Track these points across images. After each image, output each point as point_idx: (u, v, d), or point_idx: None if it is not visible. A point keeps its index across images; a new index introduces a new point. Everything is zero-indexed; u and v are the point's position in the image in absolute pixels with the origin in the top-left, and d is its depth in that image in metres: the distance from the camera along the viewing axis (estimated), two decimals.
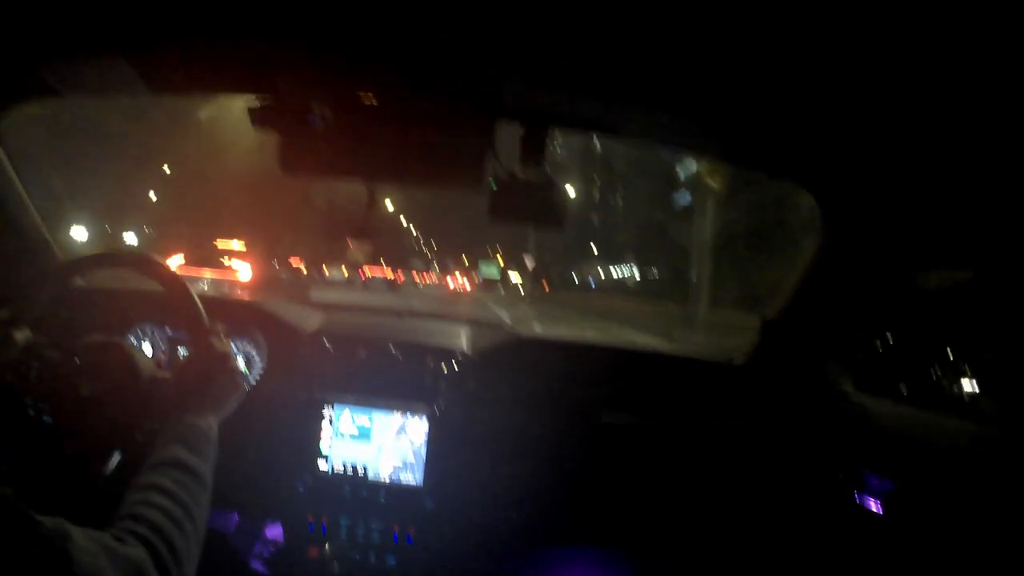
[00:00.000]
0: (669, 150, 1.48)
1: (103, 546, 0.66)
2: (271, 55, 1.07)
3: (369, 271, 24.43)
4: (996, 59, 0.76)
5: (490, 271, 53.99)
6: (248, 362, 1.55)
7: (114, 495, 0.81)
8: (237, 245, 17.59)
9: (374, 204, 1.46)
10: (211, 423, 0.95)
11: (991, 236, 1.14)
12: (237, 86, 1.23)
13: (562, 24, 0.86)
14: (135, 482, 0.80)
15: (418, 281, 44.99)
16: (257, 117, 1.16)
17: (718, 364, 1.69)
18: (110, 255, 1.17)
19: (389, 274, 25.25)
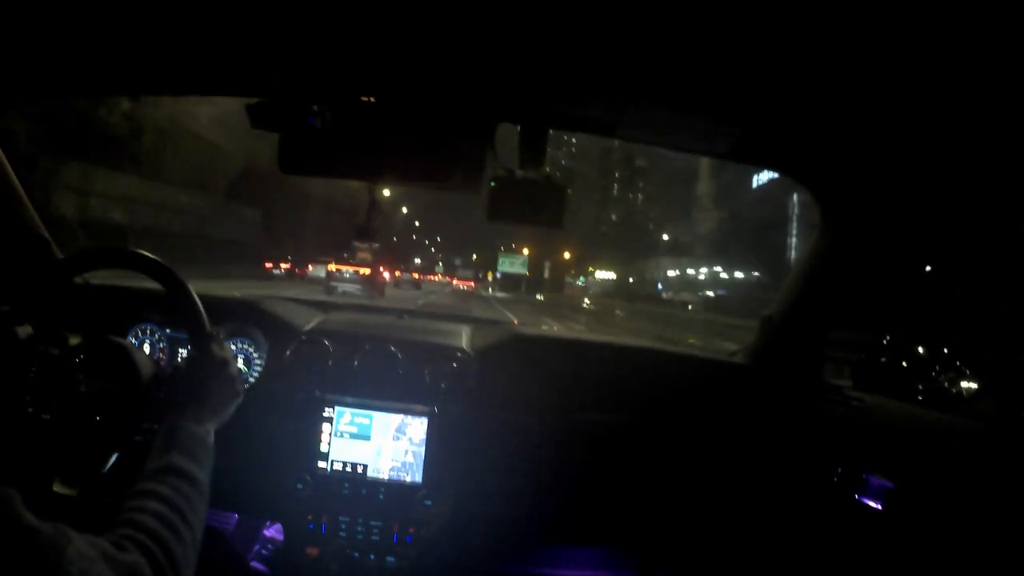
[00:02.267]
0: (669, 149, 1.46)
1: (101, 552, 0.66)
2: (271, 55, 1.07)
3: (335, 266, 18.07)
4: (993, 61, 0.76)
5: (512, 266, 41.23)
6: (247, 362, 1.55)
7: (113, 495, 0.81)
8: None
9: (376, 205, 1.46)
10: (208, 429, 0.95)
11: (990, 235, 1.14)
12: (237, 86, 1.24)
13: (562, 25, 0.86)
14: (133, 488, 0.80)
15: (417, 279, 38.03)
16: (257, 117, 1.16)
17: (719, 362, 1.69)
18: (110, 253, 1.17)
19: (362, 269, 17.86)
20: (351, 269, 17.88)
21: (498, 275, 44.21)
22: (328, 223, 31.83)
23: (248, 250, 25.65)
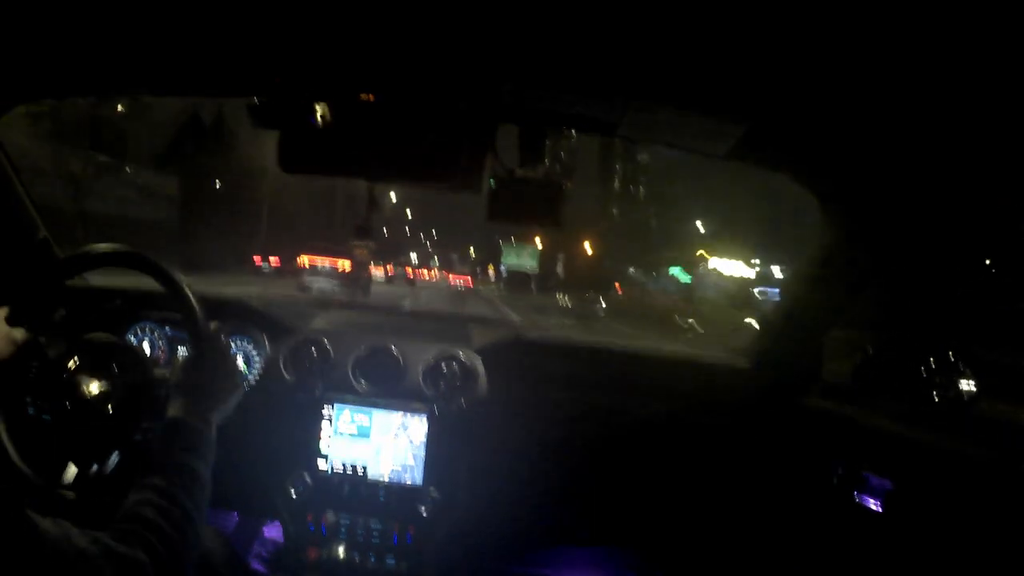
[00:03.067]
0: (670, 149, 1.46)
1: (103, 547, 0.66)
2: (271, 55, 1.07)
3: (308, 258, 14.77)
4: (994, 60, 0.76)
5: (520, 259, 32.69)
6: (248, 361, 1.55)
7: (113, 495, 0.81)
8: None
9: (376, 203, 1.46)
10: (210, 425, 0.95)
11: (991, 235, 1.14)
12: (237, 86, 1.23)
13: (561, 25, 0.85)
14: (135, 484, 0.80)
15: (410, 275, 32.86)
16: (257, 117, 1.16)
17: (721, 363, 1.69)
18: (110, 254, 1.17)
19: (342, 263, 14.44)
20: (328, 263, 14.62)
21: (502, 270, 33.81)
22: (292, 207, 25.24)
23: (158, 237, 16.64)
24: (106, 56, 1.08)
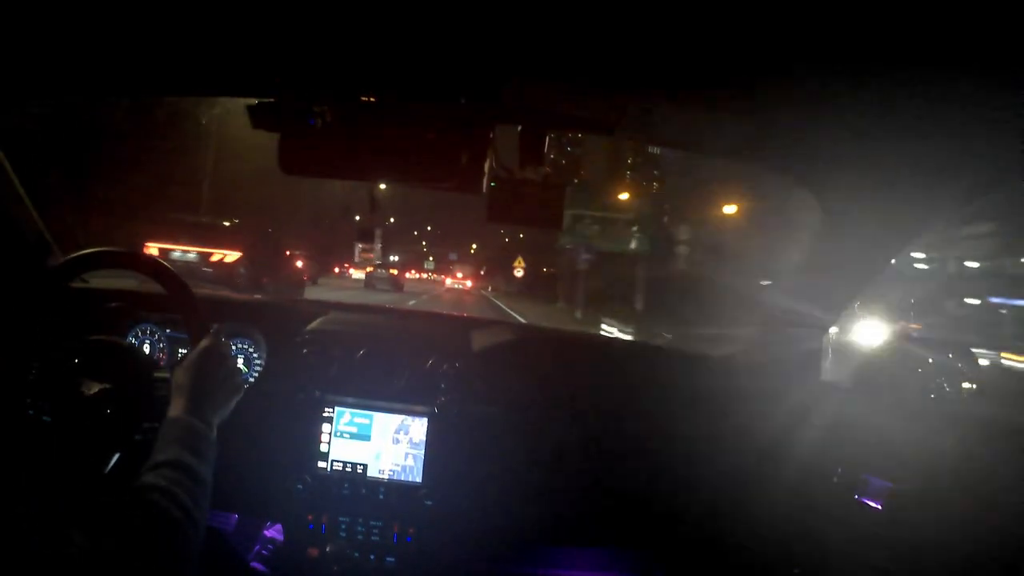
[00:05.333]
0: (670, 148, 1.48)
1: (104, 546, 0.66)
2: (271, 55, 1.07)
3: (156, 245, 8.19)
4: (993, 56, 0.76)
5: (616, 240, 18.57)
6: (247, 362, 1.55)
7: (113, 495, 0.81)
8: None
9: (377, 204, 1.46)
10: (210, 424, 0.96)
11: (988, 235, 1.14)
12: (237, 86, 1.23)
13: (561, 24, 0.86)
14: (135, 483, 0.80)
15: (396, 276, 25.66)
16: (257, 117, 1.16)
17: (722, 362, 1.69)
18: (110, 254, 1.17)
19: (219, 254, 8.43)
20: (195, 250, 8.84)
21: (584, 256, 18.00)
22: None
23: None
24: (106, 56, 1.09)
